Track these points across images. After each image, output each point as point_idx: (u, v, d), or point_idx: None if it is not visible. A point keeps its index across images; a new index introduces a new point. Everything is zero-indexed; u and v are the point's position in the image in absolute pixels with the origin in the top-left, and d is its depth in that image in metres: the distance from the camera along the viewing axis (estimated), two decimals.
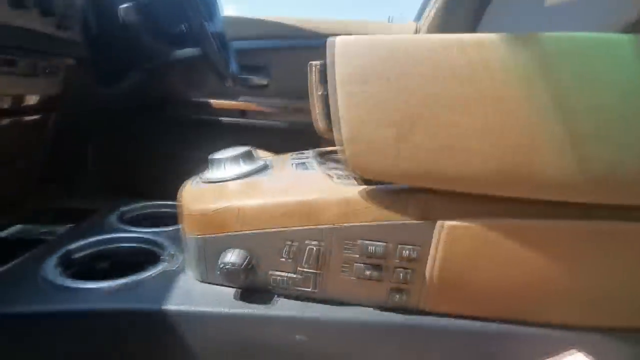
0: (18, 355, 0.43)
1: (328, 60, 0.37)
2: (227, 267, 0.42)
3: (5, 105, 0.62)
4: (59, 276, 0.47)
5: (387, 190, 0.41)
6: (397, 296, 0.44)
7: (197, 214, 0.45)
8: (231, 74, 0.94)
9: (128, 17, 0.77)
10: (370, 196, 0.41)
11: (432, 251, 0.41)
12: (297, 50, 1.22)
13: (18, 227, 0.62)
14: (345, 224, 0.41)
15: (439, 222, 0.40)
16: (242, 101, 1.16)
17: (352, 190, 0.42)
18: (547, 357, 0.37)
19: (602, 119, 0.34)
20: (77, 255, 0.54)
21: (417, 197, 0.40)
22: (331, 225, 0.42)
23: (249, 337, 0.43)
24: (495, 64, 0.33)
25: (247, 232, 0.43)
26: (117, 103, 1.08)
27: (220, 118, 1.35)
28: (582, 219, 0.39)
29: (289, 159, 0.59)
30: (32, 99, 0.68)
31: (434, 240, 0.41)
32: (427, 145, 0.36)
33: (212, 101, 1.19)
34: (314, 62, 0.45)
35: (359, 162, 0.39)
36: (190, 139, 1.32)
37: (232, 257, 0.43)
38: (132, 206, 0.73)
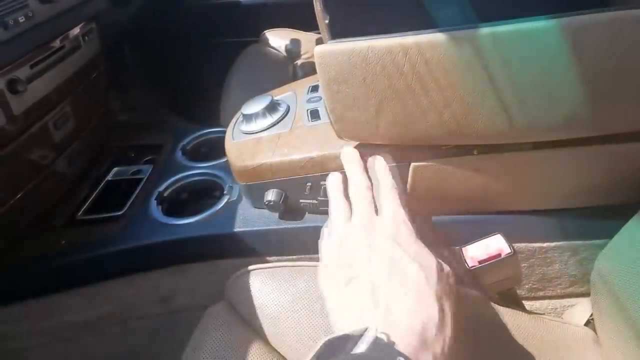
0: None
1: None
2: (270, 202, 0.63)
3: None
4: (161, 214, 0.71)
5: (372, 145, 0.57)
6: None
7: (241, 169, 0.64)
8: None
9: None
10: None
11: (408, 180, 0.59)
12: None
13: (115, 169, 0.85)
14: None
15: (411, 164, 0.57)
16: None
17: (350, 145, 0.58)
18: (479, 239, 0.56)
19: (520, 92, 0.45)
20: (166, 194, 0.77)
21: (394, 149, 0.56)
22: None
23: (293, 242, 0.67)
24: (432, 62, 0.44)
25: (278, 179, 0.62)
26: (136, 19, 1.17)
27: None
28: (501, 152, 0.53)
29: (304, 99, 0.73)
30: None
31: (409, 174, 0.58)
32: (395, 120, 0.50)
33: None
34: None
35: (347, 135, 0.54)
36: (217, 26, 1.39)
37: (272, 196, 0.63)
38: (188, 139, 0.92)
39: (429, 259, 0.37)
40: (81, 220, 0.72)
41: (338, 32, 0.59)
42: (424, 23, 0.47)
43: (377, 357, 0.27)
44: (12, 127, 0.61)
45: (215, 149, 0.90)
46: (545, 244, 0.63)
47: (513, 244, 0.57)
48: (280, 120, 0.68)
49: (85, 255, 0.66)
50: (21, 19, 0.59)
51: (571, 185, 0.55)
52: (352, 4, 0.58)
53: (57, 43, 0.70)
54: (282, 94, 0.76)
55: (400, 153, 0.56)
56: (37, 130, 0.67)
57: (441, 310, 0.33)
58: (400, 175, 0.58)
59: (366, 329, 0.29)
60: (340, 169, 0.59)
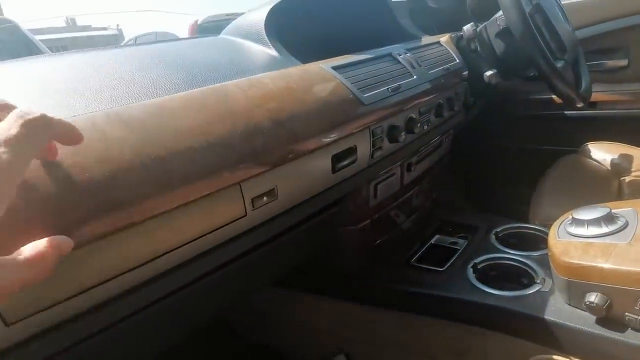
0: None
1: None
2: (592, 304, 0.67)
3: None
4: (475, 279, 0.86)
5: None
6: None
7: (565, 265, 0.71)
8: (582, 95, 1.00)
9: (491, 80, 1.05)
10: None
11: None
12: None
13: (437, 236, 1.07)
14: None
15: None
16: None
17: None
18: None
19: None
20: (479, 266, 0.92)
21: None
22: None
23: (607, 352, 0.66)
24: None
25: (606, 284, 0.66)
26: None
27: (565, 112, 1.42)
28: None
29: None
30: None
31: None
32: None
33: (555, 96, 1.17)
34: None
35: None
36: (534, 136, 1.48)
37: (595, 299, 0.67)
38: (501, 227, 1.05)
39: None
40: (413, 265, 0.96)
41: None
42: None
43: None
44: (400, 193, 0.95)
45: (525, 241, 0.99)
46: None
47: None
48: (617, 232, 0.71)
49: (412, 289, 0.88)
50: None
51: None
52: None
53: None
54: (619, 208, 0.79)
55: None
56: (406, 197, 0.99)
57: None
58: None
59: None
60: None
